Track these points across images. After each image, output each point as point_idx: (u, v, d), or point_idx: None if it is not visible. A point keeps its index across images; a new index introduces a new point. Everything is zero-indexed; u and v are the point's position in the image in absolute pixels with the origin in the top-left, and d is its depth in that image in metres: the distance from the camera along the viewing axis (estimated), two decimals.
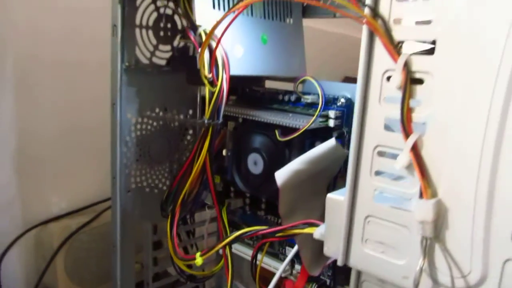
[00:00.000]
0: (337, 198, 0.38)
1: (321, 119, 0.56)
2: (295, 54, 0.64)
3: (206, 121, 0.49)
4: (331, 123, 0.56)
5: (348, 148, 0.57)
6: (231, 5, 0.54)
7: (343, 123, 0.57)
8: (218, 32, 0.47)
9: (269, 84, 0.69)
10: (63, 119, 0.87)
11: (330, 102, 0.58)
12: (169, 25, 0.65)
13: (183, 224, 0.75)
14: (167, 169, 0.70)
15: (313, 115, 0.57)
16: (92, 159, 0.92)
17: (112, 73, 0.61)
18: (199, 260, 0.49)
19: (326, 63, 1.27)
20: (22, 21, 0.78)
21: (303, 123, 0.54)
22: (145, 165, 0.66)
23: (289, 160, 0.60)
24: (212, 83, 0.49)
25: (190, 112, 0.70)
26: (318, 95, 0.58)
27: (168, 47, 0.66)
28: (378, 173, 0.36)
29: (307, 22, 0.69)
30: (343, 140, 0.57)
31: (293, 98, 0.61)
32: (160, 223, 0.74)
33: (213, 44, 0.47)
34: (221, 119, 0.50)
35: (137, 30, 0.62)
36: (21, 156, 0.83)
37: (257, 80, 0.63)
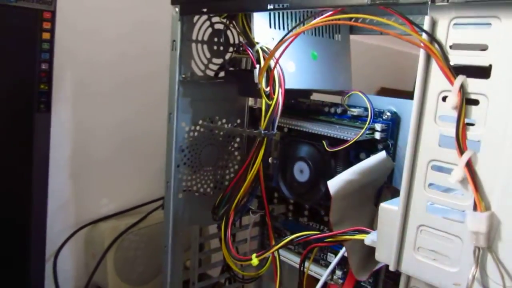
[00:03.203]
0: (391, 208, 0.41)
1: (367, 132, 0.58)
2: (342, 68, 0.67)
3: (262, 132, 0.52)
4: (377, 135, 0.59)
5: (393, 159, 0.60)
6: (285, 25, 0.58)
7: (388, 135, 0.60)
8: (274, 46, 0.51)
9: (313, 97, 0.72)
10: (113, 126, 0.92)
11: (376, 115, 0.61)
12: (222, 40, 0.69)
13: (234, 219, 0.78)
14: (213, 174, 0.74)
15: (359, 128, 0.60)
16: (139, 163, 0.97)
17: (170, 84, 0.65)
18: (255, 261, 0.52)
19: (361, 74, 1.30)
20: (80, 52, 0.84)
21: (352, 135, 0.57)
22: (195, 170, 0.70)
23: (335, 169, 0.63)
24: (269, 96, 0.52)
25: (238, 121, 0.74)
26: (364, 108, 0.61)
27: (220, 60, 0.70)
28: (431, 185, 0.39)
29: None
30: (388, 152, 0.60)
31: (339, 110, 0.64)
32: (205, 226, 0.79)
33: (271, 62, 0.51)
34: (275, 131, 0.53)
35: (193, 45, 0.66)
36: (76, 161, 0.88)
37: (305, 93, 0.67)
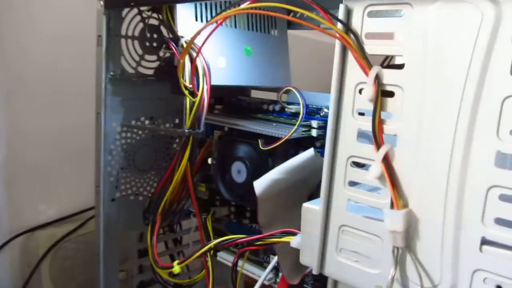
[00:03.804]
0: (312, 207, 0.39)
1: (304, 129, 0.56)
2: (279, 64, 0.64)
3: (186, 131, 0.49)
4: (314, 133, 0.57)
5: None
6: (212, 17, 0.55)
7: (325, 132, 0.58)
8: (199, 43, 0.48)
9: (255, 94, 0.70)
10: (51, 129, 0.87)
11: (313, 112, 0.59)
12: (155, 36, 0.66)
13: (170, 232, 0.75)
14: (153, 177, 0.70)
15: (295, 124, 0.58)
16: (79, 167, 0.92)
17: (96, 82, 0.61)
18: (176, 268, 0.49)
19: (312, 72, 1.28)
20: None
21: (286, 132, 0.55)
22: (130, 173, 0.67)
23: (272, 169, 0.60)
24: (193, 93, 0.49)
25: (176, 121, 0.71)
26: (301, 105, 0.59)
27: (154, 57, 0.67)
28: (351, 183, 0.37)
29: (293, 31, 0.70)
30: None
31: (277, 108, 0.62)
32: (146, 231, 0.75)
33: (194, 54, 0.48)
34: (202, 129, 0.51)
35: (123, 40, 0.63)
36: (9, 166, 0.83)
37: (243, 90, 0.64)
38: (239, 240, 0.47)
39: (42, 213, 0.88)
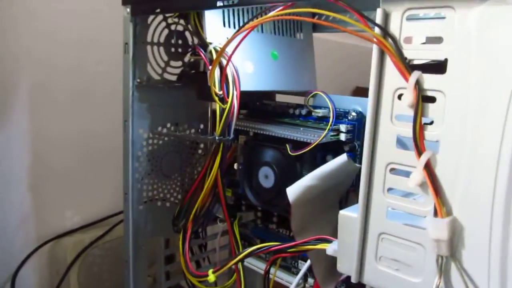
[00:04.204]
0: (349, 215, 0.38)
1: (332, 133, 0.56)
2: (305, 68, 0.64)
3: (217, 138, 0.49)
4: (343, 137, 0.56)
5: (360, 161, 0.57)
6: (241, 23, 0.55)
7: (354, 136, 0.57)
8: (228, 49, 0.48)
9: (280, 98, 0.70)
10: (75, 135, 0.88)
11: (341, 116, 0.58)
12: (180, 42, 0.66)
13: (195, 238, 0.75)
14: (179, 183, 0.70)
15: (324, 129, 0.57)
16: (104, 173, 0.93)
17: (124, 90, 0.61)
18: (211, 277, 0.49)
19: (337, 74, 1.28)
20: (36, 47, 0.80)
21: (314, 137, 0.54)
22: (157, 179, 0.67)
23: (300, 174, 0.60)
24: (223, 100, 0.49)
25: (201, 126, 0.71)
26: (329, 109, 0.58)
27: (179, 63, 0.67)
28: (391, 190, 0.36)
29: (317, 33, 0.70)
30: (355, 154, 0.57)
31: (304, 112, 0.61)
32: (172, 237, 0.75)
33: (224, 61, 0.48)
34: (232, 135, 0.50)
35: (149, 47, 0.63)
36: (35, 173, 0.84)
37: (268, 95, 0.64)
38: (274, 248, 0.47)
39: (68, 219, 0.89)
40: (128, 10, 0.58)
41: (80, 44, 0.85)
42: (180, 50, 0.66)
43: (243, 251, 0.49)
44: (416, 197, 0.35)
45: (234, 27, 0.55)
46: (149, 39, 0.63)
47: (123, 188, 0.63)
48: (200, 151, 0.72)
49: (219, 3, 0.46)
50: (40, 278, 0.86)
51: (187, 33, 0.66)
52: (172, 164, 0.69)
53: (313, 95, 0.60)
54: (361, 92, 1.51)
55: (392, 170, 0.36)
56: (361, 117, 0.57)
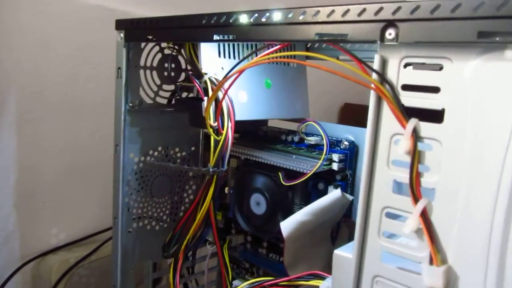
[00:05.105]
0: (344, 255, 0.39)
1: (325, 163, 0.56)
2: (298, 96, 0.64)
3: (211, 170, 0.49)
4: (335, 166, 0.56)
5: (352, 190, 0.58)
6: (236, 54, 0.55)
7: (346, 165, 0.58)
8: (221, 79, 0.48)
9: (271, 122, 0.70)
10: (62, 153, 0.87)
11: (333, 144, 0.58)
12: (173, 65, 0.65)
13: (184, 260, 0.74)
14: (169, 206, 0.70)
15: (316, 157, 0.57)
16: (90, 190, 0.92)
17: (116, 114, 0.61)
18: None
19: (325, 90, 1.29)
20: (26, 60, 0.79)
21: (309, 167, 0.55)
22: (147, 203, 0.66)
23: (292, 201, 0.60)
24: (217, 132, 0.49)
25: (193, 149, 0.71)
26: (321, 137, 0.59)
27: (171, 87, 0.67)
28: (386, 233, 0.36)
29: None
30: (347, 183, 0.58)
31: (296, 139, 0.62)
32: (159, 261, 0.74)
33: (219, 94, 0.48)
34: (226, 167, 0.50)
35: (141, 71, 0.62)
36: (21, 189, 0.82)
37: (261, 123, 0.64)
38: (268, 283, 0.47)
39: (54, 236, 0.88)
40: (122, 35, 0.58)
41: (71, 59, 0.84)
42: (173, 74, 0.66)
43: (242, 285, 0.49)
44: (410, 241, 0.35)
45: (229, 57, 0.55)
46: (142, 63, 0.62)
47: (113, 213, 0.62)
48: (190, 174, 0.72)
49: (216, 37, 0.46)
50: None
51: (180, 57, 0.66)
52: (163, 187, 0.68)
53: (300, 121, 0.61)
54: (350, 108, 1.53)
55: (387, 214, 0.36)
56: (353, 146, 0.58)
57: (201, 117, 0.53)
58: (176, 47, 0.62)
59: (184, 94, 0.67)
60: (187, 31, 0.49)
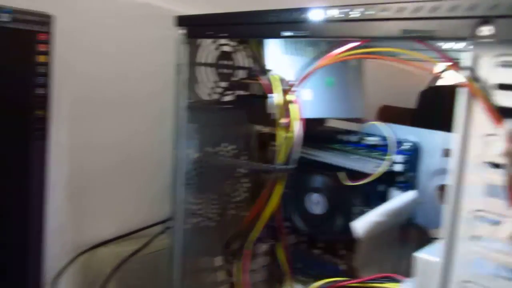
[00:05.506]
0: (430, 260, 0.38)
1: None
2: (357, 94, 0.63)
3: (278, 167, 0.48)
4: (398, 167, 0.55)
5: None
6: (301, 51, 0.54)
7: (408, 167, 0.56)
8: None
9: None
10: (112, 149, 0.87)
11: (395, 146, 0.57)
12: (229, 62, 0.65)
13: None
14: (220, 203, 0.70)
15: (377, 158, 0.56)
16: (139, 184, 0.92)
17: (175, 110, 0.61)
18: None
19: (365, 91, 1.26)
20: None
21: (371, 167, 0.54)
22: (201, 200, 0.66)
23: (351, 202, 0.59)
24: (286, 129, 0.49)
25: (244, 146, 0.70)
26: (381, 137, 0.58)
27: (227, 84, 0.66)
28: (477, 238, 0.35)
29: None
30: (408, 185, 0.56)
31: (354, 138, 0.61)
32: (216, 257, 0.75)
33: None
34: (295, 165, 0.50)
35: (199, 68, 0.62)
36: (74, 182, 0.84)
37: (318, 121, 0.63)
38: (341, 283, 0.46)
39: (104, 229, 0.89)
40: (183, 32, 0.58)
41: (119, 57, 0.85)
42: (228, 70, 0.66)
43: (310, 285, 0.48)
44: (505, 247, 0.34)
45: (295, 54, 0.54)
46: (199, 60, 0.62)
47: (172, 209, 0.63)
48: (242, 172, 0.71)
49: (285, 33, 0.45)
50: None
51: (236, 54, 0.66)
52: (215, 183, 0.68)
53: (363, 122, 0.60)
54: (389, 111, 1.49)
55: (479, 217, 0.35)
56: (415, 148, 0.56)
57: (262, 114, 0.52)
58: (235, 44, 0.61)
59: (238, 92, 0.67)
60: (255, 28, 0.48)
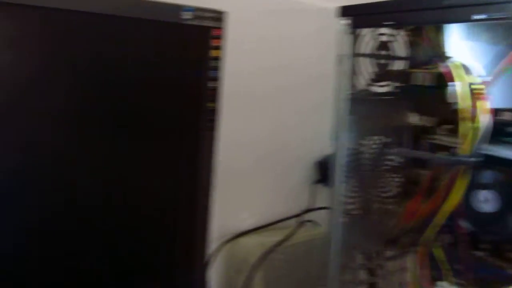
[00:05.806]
0: None
1: None
2: None
3: (465, 159, 0.46)
4: None
5: None
6: (481, 36, 0.51)
7: None
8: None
9: None
10: (257, 138, 0.91)
11: None
12: (386, 52, 0.64)
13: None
14: (373, 197, 0.69)
15: None
16: (277, 176, 0.95)
17: (335, 101, 0.61)
18: None
19: None
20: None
21: None
22: (359, 191, 0.66)
23: None
24: (471, 119, 0.46)
25: (396, 139, 0.68)
26: None
27: (384, 75, 0.65)
28: None
29: None
30: None
31: None
32: (367, 250, 0.74)
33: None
34: (482, 157, 0.47)
35: (358, 59, 0.62)
36: (219, 176, 0.88)
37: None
38: None
39: (245, 220, 0.93)
40: (348, 22, 0.58)
41: (271, 52, 0.87)
42: (385, 61, 0.65)
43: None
44: None
45: (474, 40, 0.51)
46: (359, 51, 0.62)
47: (330, 201, 0.63)
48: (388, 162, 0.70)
49: (475, 17, 0.42)
50: (220, 276, 0.90)
51: (394, 44, 0.64)
52: (369, 175, 0.67)
53: None
54: None
55: None
56: None
57: (430, 103, 0.50)
58: (393, 33, 0.60)
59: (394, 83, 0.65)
60: (437, 13, 0.46)
